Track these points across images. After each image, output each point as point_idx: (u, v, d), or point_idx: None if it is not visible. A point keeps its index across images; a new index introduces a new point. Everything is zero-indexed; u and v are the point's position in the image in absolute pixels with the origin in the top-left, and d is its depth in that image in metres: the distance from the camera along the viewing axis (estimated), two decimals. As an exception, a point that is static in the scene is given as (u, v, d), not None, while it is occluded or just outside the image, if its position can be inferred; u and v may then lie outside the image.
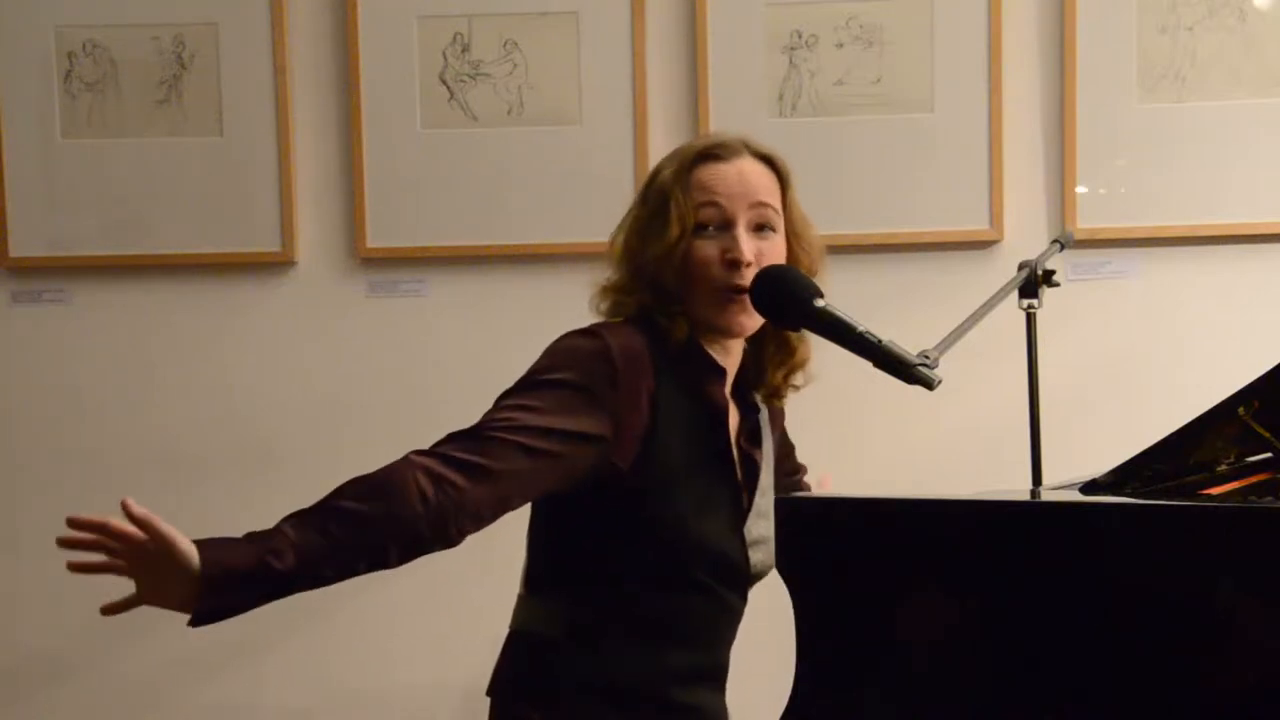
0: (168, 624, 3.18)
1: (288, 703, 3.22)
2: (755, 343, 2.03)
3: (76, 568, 1.66)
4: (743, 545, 1.94)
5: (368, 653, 3.21)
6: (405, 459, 1.77)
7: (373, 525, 1.72)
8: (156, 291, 3.20)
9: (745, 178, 1.93)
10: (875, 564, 1.62)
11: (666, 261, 1.91)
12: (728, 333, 1.94)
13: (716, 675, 1.99)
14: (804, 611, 1.65)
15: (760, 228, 1.92)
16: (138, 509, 1.62)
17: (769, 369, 2.03)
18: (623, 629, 1.89)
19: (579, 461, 1.83)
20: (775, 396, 2.07)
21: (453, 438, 1.81)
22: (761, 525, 1.97)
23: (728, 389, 1.97)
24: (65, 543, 1.64)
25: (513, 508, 1.83)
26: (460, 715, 3.15)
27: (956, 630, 1.58)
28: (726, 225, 1.91)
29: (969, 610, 1.58)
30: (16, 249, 3.19)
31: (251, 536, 1.69)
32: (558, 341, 1.91)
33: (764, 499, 1.98)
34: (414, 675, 3.20)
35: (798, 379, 2.05)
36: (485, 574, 3.14)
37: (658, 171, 1.98)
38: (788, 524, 1.67)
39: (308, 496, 3.10)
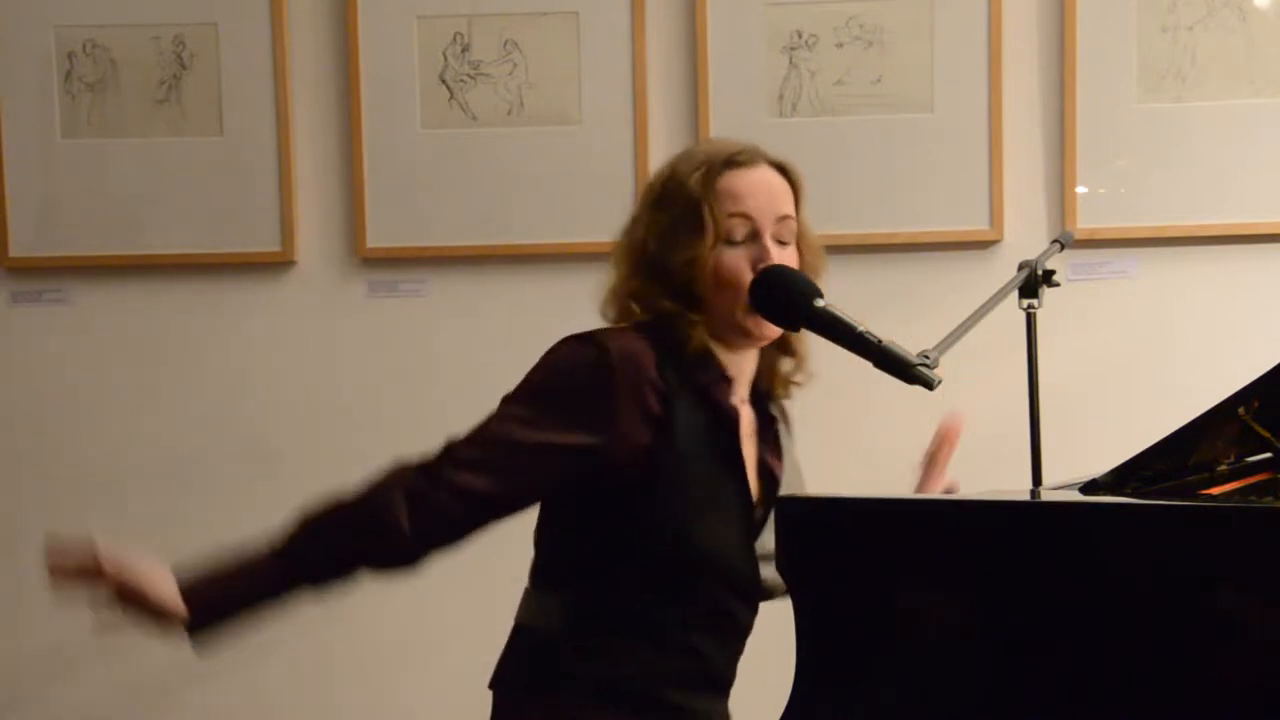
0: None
1: (291, 697, 3.22)
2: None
3: (59, 585, 1.78)
4: (753, 559, 1.91)
5: (372, 647, 3.21)
6: (393, 475, 1.83)
7: (353, 548, 1.83)
8: (156, 291, 3.20)
9: (772, 190, 1.91)
10: (875, 564, 1.62)
11: (697, 269, 1.88)
12: (755, 340, 1.93)
13: (719, 684, 1.97)
14: (804, 611, 1.65)
15: (781, 242, 1.92)
16: (107, 559, 1.75)
17: (772, 368, 2.02)
18: (625, 631, 1.89)
19: (570, 473, 1.85)
20: (779, 394, 2.06)
21: (448, 453, 1.84)
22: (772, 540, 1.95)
23: (740, 398, 1.95)
24: (52, 569, 1.78)
25: (493, 524, 1.87)
26: (465, 708, 3.15)
27: (956, 630, 1.58)
28: (754, 236, 1.90)
29: (969, 610, 1.58)
30: (16, 249, 3.19)
31: (231, 555, 1.81)
32: (555, 350, 1.90)
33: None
34: (418, 667, 3.20)
35: (798, 375, 2.04)
36: (491, 568, 3.14)
37: (674, 174, 1.93)
38: (788, 524, 1.67)
39: (307, 496, 3.09)
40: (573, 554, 1.92)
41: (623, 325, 1.93)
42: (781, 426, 2.03)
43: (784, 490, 1.98)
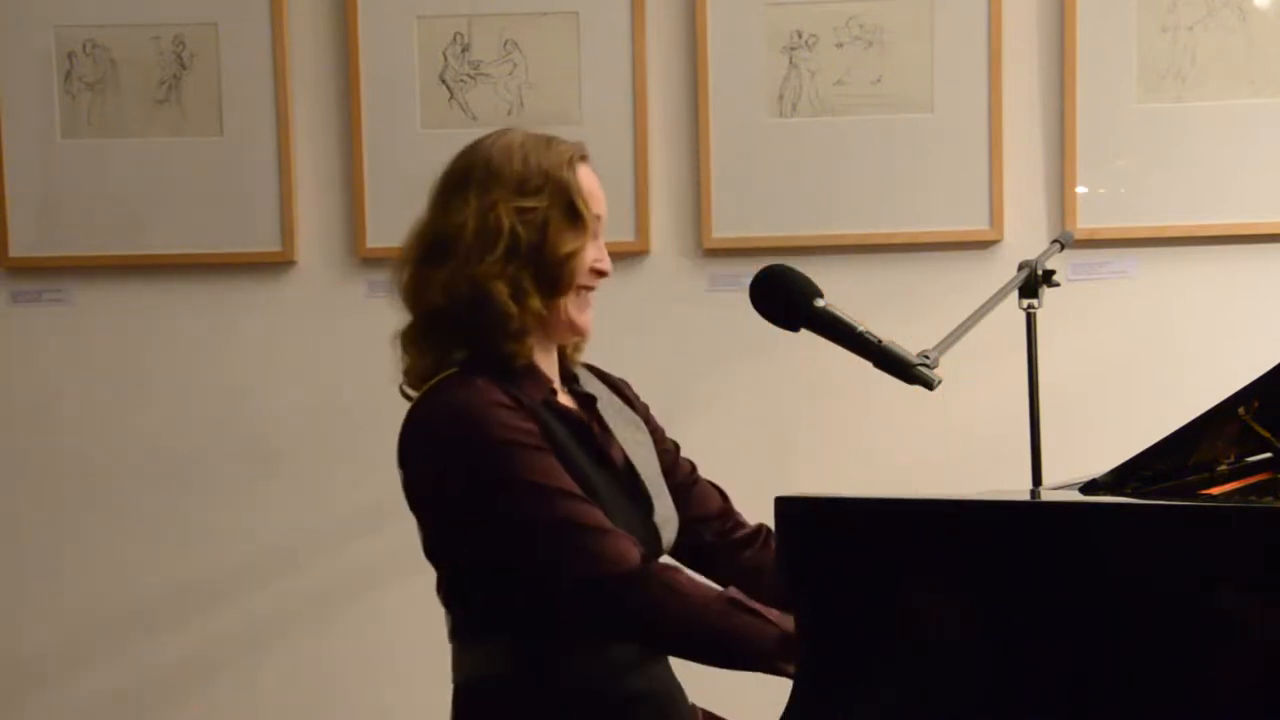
0: (165, 626, 3.20)
1: (291, 699, 3.22)
2: None
3: None
4: (656, 531, 1.96)
5: (366, 656, 3.21)
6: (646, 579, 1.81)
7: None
8: (156, 291, 3.20)
9: (601, 188, 1.97)
10: (875, 564, 1.62)
11: (577, 262, 1.91)
12: (579, 333, 1.97)
13: (659, 654, 1.99)
14: (804, 611, 1.65)
15: None
16: None
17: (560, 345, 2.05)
18: (567, 643, 1.89)
19: None
20: (573, 362, 2.07)
21: (595, 537, 1.81)
22: (662, 504, 1.99)
23: (561, 390, 1.98)
24: None
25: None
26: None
27: (956, 630, 1.58)
28: (595, 234, 1.95)
29: (969, 610, 1.58)
30: (16, 249, 3.19)
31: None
32: (457, 416, 1.85)
33: (652, 479, 2.00)
34: (414, 679, 3.20)
35: (579, 342, 2.05)
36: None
37: (531, 162, 1.90)
38: (788, 524, 1.66)
39: (307, 496, 3.11)
40: (499, 595, 1.89)
41: (450, 373, 1.90)
42: (599, 398, 2.04)
43: (638, 458, 2.00)
